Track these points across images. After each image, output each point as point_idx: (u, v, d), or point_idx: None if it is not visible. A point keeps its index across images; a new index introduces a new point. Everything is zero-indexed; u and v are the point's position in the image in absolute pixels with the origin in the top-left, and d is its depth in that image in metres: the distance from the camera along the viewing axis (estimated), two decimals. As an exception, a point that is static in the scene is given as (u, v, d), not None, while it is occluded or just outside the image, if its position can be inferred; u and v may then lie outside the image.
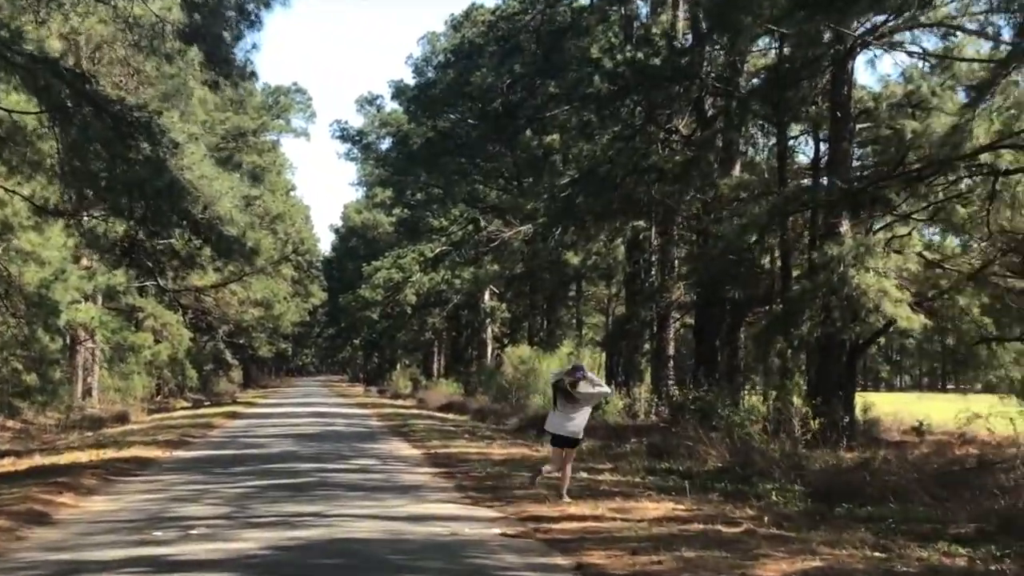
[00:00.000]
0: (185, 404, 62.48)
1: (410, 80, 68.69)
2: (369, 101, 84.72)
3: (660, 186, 34.34)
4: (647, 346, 43.51)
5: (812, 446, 22.26)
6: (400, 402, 67.58)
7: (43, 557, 12.29)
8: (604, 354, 45.88)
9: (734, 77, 33.56)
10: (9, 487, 18.60)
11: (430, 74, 66.22)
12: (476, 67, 54.42)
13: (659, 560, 11.60)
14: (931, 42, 27.93)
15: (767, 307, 32.81)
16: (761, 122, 34.55)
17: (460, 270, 65.72)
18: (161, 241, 49.47)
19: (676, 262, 38.98)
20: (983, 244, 29.62)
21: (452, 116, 58.77)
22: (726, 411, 25.67)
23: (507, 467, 23.08)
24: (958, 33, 26.57)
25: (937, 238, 35.64)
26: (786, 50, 30.21)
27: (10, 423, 38.76)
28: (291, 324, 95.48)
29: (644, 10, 42.05)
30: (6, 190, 29.33)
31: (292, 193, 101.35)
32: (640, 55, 33.78)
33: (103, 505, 17.39)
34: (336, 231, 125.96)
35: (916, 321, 25.03)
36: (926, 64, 28.34)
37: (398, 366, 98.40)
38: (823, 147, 31.02)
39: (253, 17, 27.27)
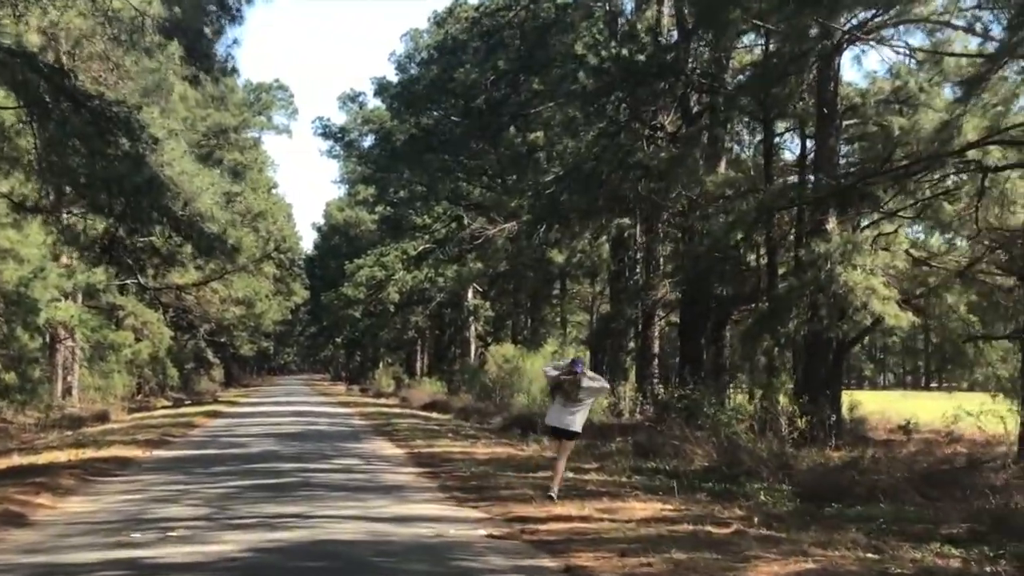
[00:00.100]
0: (166, 403, 62.09)
1: (393, 77, 68.42)
2: (351, 98, 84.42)
3: (645, 183, 34.11)
4: (632, 344, 43.34)
5: (799, 445, 22.10)
6: (383, 401, 67.35)
7: (18, 560, 12.00)
8: (589, 352, 45.65)
9: (719, 73, 33.40)
10: (-15, 487, 18.31)
11: (413, 71, 65.90)
12: (459, 64, 54.14)
13: (649, 562, 11.37)
14: (918, 38, 27.75)
15: (753, 305, 32.66)
16: (747, 119, 34.40)
17: (443, 268, 65.52)
18: (141, 239, 49.13)
19: (661, 260, 38.81)
20: (969, 242, 29.49)
21: (435, 113, 58.49)
22: (712, 410, 25.49)
23: (492, 467, 22.84)
24: (945, 29, 26.38)
25: (922, 236, 35.52)
26: (772, 46, 30.05)
27: (-11, 422, 38.39)
28: (273, 322, 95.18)
29: (629, 6, 41.85)
30: (-16, 186, 29.03)
31: (274, 191, 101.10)
32: (625, 51, 33.59)
33: (81, 506, 17.11)
34: (318, 229, 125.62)
35: (904, 319, 24.88)
36: (912, 61, 28.17)
37: (381, 365, 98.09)
38: (809, 144, 30.88)
39: (234, 12, 26.98)
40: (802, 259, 25.81)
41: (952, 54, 25.47)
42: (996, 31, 22.03)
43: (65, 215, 37.06)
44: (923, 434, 27.71)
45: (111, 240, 51.06)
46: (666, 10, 37.30)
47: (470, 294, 68.55)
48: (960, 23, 25.09)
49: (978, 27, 24.50)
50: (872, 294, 23.84)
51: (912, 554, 11.99)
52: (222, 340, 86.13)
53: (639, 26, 37.47)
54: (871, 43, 27.29)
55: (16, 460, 24.70)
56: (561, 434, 17.85)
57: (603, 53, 34.83)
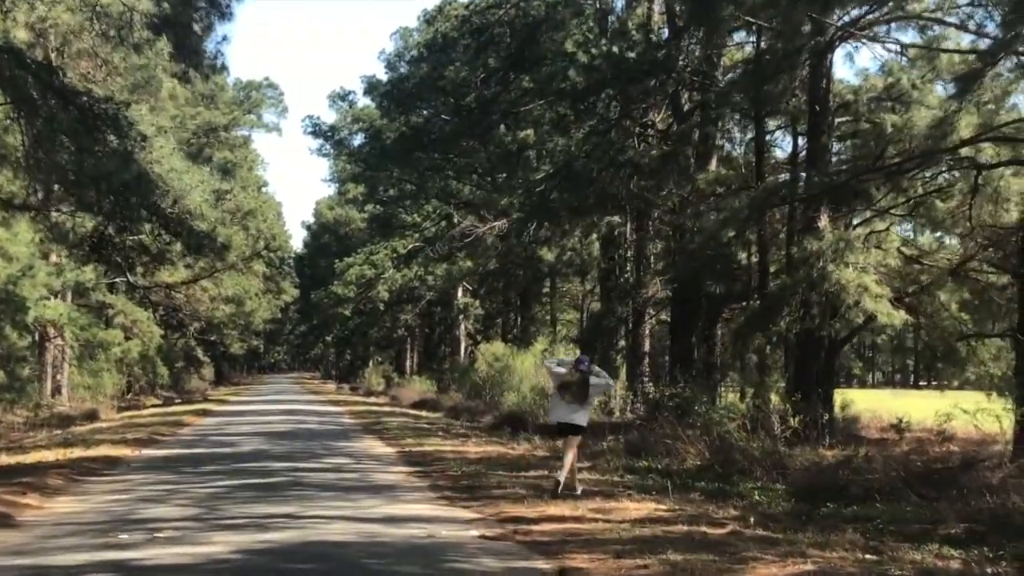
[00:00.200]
0: (156, 402, 61.86)
1: (383, 76, 68.27)
2: (341, 96, 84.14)
3: (636, 181, 33.98)
4: (622, 343, 43.22)
5: (792, 444, 21.94)
6: (373, 399, 67.22)
7: (3, 562, 11.82)
8: (579, 351, 45.52)
9: (711, 71, 33.30)
10: (-28, 488, 18.12)
11: (403, 69, 65.76)
12: (449, 61, 54.05)
13: (645, 564, 11.22)
14: (910, 36, 27.66)
15: (744, 303, 32.55)
16: (738, 116, 34.28)
17: (433, 266, 65.35)
18: (131, 237, 48.94)
19: (652, 258, 38.70)
20: (962, 239, 29.41)
21: (425, 111, 58.36)
22: (704, 408, 25.36)
23: (483, 466, 22.70)
24: (936, 27, 26.28)
25: (912, 234, 35.45)
26: (764, 43, 29.95)
27: (-23, 421, 38.18)
28: (263, 321, 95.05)
29: (619, 3, 41.77)
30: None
31: (264, 189, 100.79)
32: (616, 49, 33.47)
33: (68, 506, 16.93)
34: (308, 227, 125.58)
35: (897, 317, 24.74)
36: (903, 58, 28.06)
37: (370, 363, 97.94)
38: (801, 141, 30.78)
39: (224, 8, 26.81)
40: (794, 257, 25.69)
41: (946, 50, 25.34)
42: (991, 28, 21.94)
43: (54, 213, 36.82)
44: (915, 433, 27.60)
45: (100, 238, 50.88)
46: (656, 7, 37.14)
47: (460, 292, 68.42)
48: (953, 20, 24.99)
49: (971, 24, 24.43)
50: (864, 292, 23.71)
51: (912, 555, 11.86)
52: (212, 338, 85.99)
53: (630, 23, 37.36)
54: (863, 40, 27.18)
55: (3, 460, 24.50)
56: (567, 429, 17.97)
57: (593, 51, 34.71)
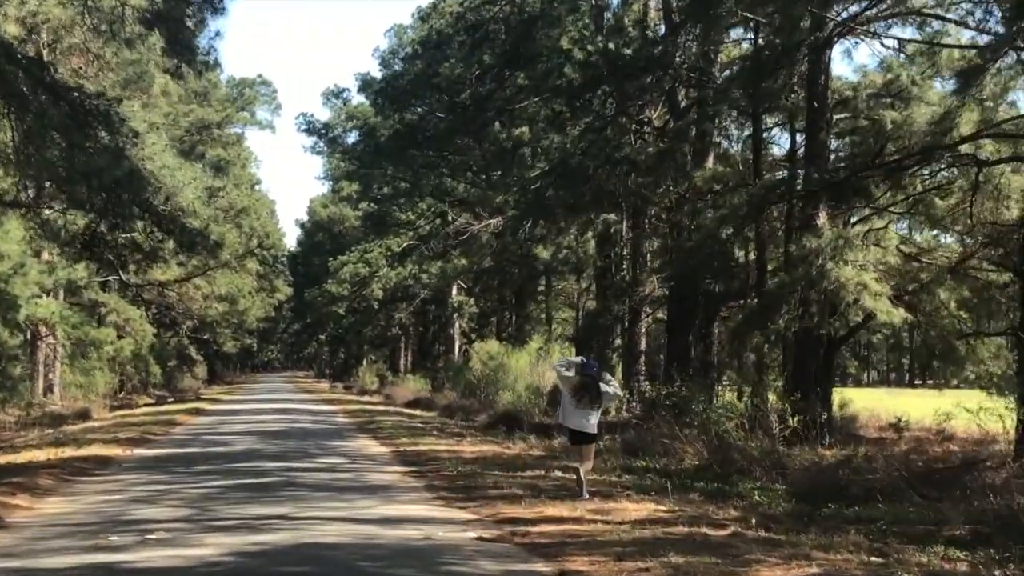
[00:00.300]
0: (149, 400, 61.66)
1: (377, 73, 68.07)
2: (335, 94, 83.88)
3: (633, 178, 33.76)
4: (618, 341, 43.01)
5: (791, 443, 21.74)
6: (367, 398, 67.08)
7: (-9, 564, 11.60)
8: (574, 349, 45.35)
9: (707, 67, 33.05)
10: (-39, 488, 17.87)
11: (397, 67, 65.55)
12: (444, 58, 53.83)
13: (647, 567, 10.99)
14: (909, 33, 27.47)
15: (742, 301, 32.35)
16: (735, 113, 34.07)
17: (427, 264, 65.17)
18: (123, 235, 48.65)
19: (648, 256, 38.49)
20: (961, 237, 29.23)
21: (419, 109, 58.14)
22: (701, 407, 25.16)
23: (479, 465, 22.49)
24: (934, 23, 26.08)
25: (909, 231, 35.25)
26: (761, 40, 29.74)
27: (-32, 420, 37.93)
28: (256, 319, 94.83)
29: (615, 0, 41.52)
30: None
31: (257, 187, 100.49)
32: (612, 45, 33.25)
33: (59, 507, 16.71)
34: (302, 226, 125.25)
35: (897, 315, 24.52)
36: (902, 55, 27.88)
37: (364, 362, 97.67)
38: (799, 138, 30.59)
39: (216, 3, 26.57)
40: (792, 255, 25.48)
41: (947, 45, 25.15)
42: (992, 24, 21.71)
43: (46, 210, 36.56)
44: (913, 432, 27.48)
45: (92, 236, 50.50)
46: (653, 3, 36.96)
47: (454, 291, 68.24)
48: (953, 16, 24.77)
49: (971, 21, 24.22)
50: (864, 290, 23.50)
51: (918, 557, 11.65)
52: (205, 337, 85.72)
53: (626, 19, 37.16)
54: (862, 37, 26.97)
55: (-6, 459, 24.29)
56: (581, 438, 17.88)
57: (589, 47, 34.50)
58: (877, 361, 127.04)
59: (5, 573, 11.14)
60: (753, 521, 14.27)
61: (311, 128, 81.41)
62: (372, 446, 29.04)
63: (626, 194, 34.91)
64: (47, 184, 27.71)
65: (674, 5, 33.43)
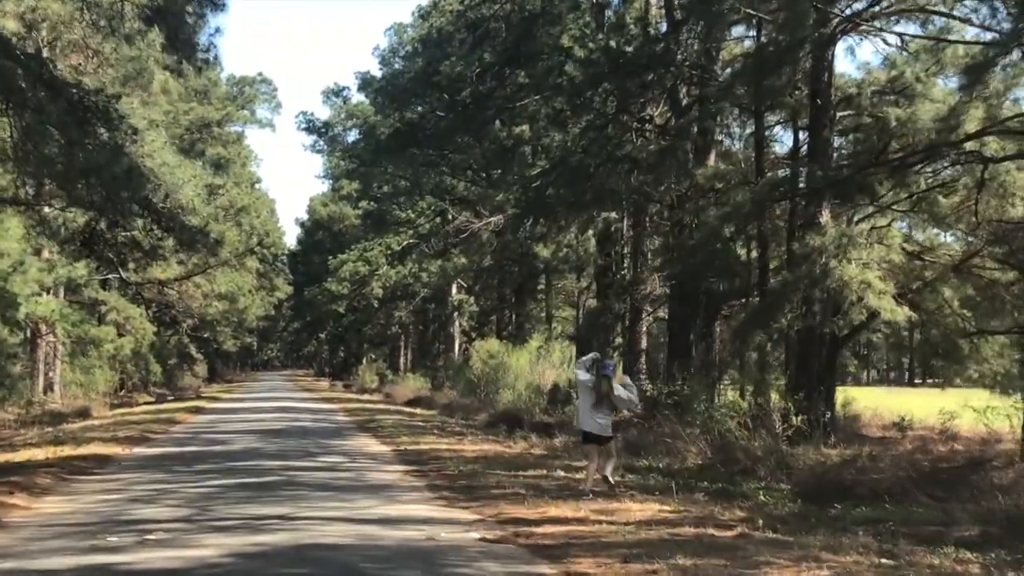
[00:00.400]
0: (149, 399, 61.50)
1: (377, 72, 68.03)
2: (335, 93, 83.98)
3: (635, 176, 33.59)
4: (619, 340, 42.85)
5: (794, 443, 21.59)
6: (367, 397, 67.01)
7: (-13, 565, 11.44)
8: (575, 348, 45.23)
9: (709, 65, 32.87)
10: (-41, 488, 17.71)
11: (397, 65, 65.51)
12: (444, 57, 53.72)
13: (654, 570, 10.83)
14: (913, 29, 27.27)
15: (744, 300, 32.18)
16: (737, 111, 33.91)
17: (427, 263, 65.12)
18: (123, 232, 48.58)
19: (649, 254, 38.32)
20: (966, 235, 29.08)
21: (420, 107, 58.03)
22: (703, 407, 25.04)
23: (480, 465, 22.34)
24: (936, 20, 25.92)
25: (909, 229, 35.07)
26: (764, 37, 29.58)
27: (-33, 419, 37.80)
28: (256, 318, 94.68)
29: (616, -3, 41.36)
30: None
31: (257, 186, 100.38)
32: (613, 43, 33.10)
33: (57, 507, 16.54)
34: (302, 224, 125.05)
35: (900, 313, 24.35)
36: (905, 53, 27.71)
37: (364, 360, 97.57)
38: (802, 136, 30.42)
39: (217, -1, 26.38)
40: (795, 253, 25.33)
41: (953, 41, 24.97)
42: (999, 19, 21.52)
43: (45, 208, 36.46)
44: (917, 431, 27.32)
45: (92, 233, 50.55)
46: (654, 0, 36.78)
47: (454, 289, 68.14)
48: (959, 13, 24.60)
49: (975, 18, 24.04)
50: (867, 288, 23.34)
51: (928, 559, 11.48)
52: (205, 335, 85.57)
53: (627, 17, 36.99)
54: (866, 33, 26.81)
55: (-7, 458, 24.16)
56: (595, 439, 17.90)
57: (590, 45, 34.33)
58: (877, 360, 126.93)
59: (1, 574, 10.98)
60: (760, 522, 14.12)
61: (311, 127, 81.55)
62: (372, 445, 28.91)
63: (627, 192, 34.75)
64: (46, 181, 27.60)
65: (676, 2, 33.24)
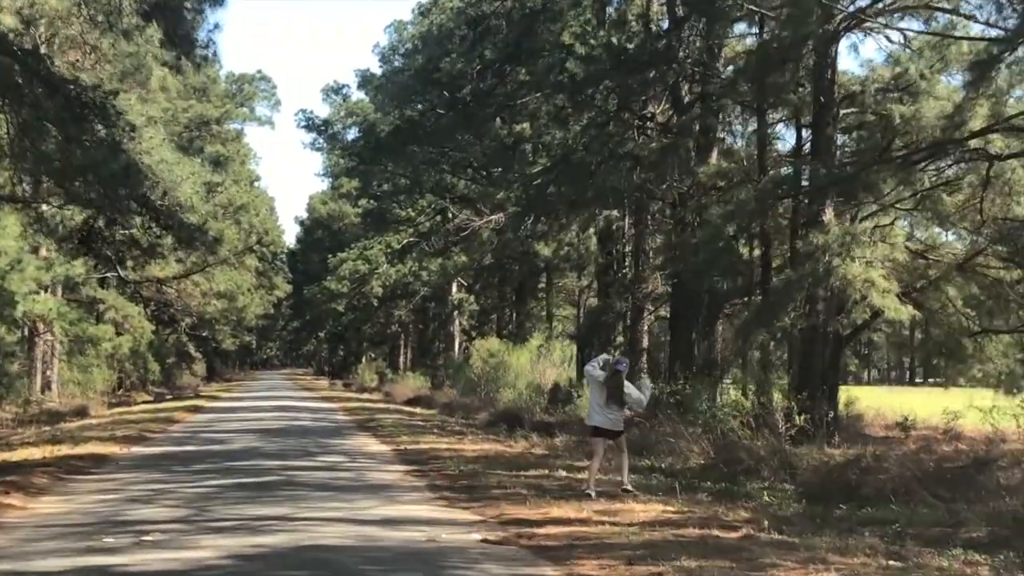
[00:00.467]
0: (147, 398, 61.38)
1: (377, 70, 67.88)
2: (335, 90, 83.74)
3: (638, 173, 33.43)
4: (620, 339, 42.69)
5: (797, 442, 21.42)
6: (366, 396, 66.89)
7: (-19, 566, 11.25)
8: (576, 347, 45.08)
9: (712, 62, 32.70)
10: (-46, 487, 17.53)
11: (397, 63, 65.34)
12: (445, 54, 53.55)
13: (659, 572, 10.66)
14: (916, 25, 27.11)
15: (746, 299, 32.02)
16: (740, 108, 33.74)
17: (427, 261, 64.95)
18: (121, 231, 48.46)
19: (650, 252, 38.15)
20: (970, 233, 28.93)
21: (420, 105, 57.87)
22: (705, 406, 24.89)
23: (481, 464, 22.18)
24: (940, 16, 25.75)
25: (910, 228, 34.92)
26: (767, 34, 29.42)
27: (-36, 418, 37.64)
28: (255, 317, 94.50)
29: (618, -7, 41.16)
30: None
31: (256, 184, 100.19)
32: (614, 39, 32.94)
33: (53, 507, 16.36)
34: (301, 223, 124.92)
35: (904, 312, 24.19)
36: (908, 50, 27.55)
37: (364, 359, 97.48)
38: (805, 133, 30.26)
39: (216, -6, 26.15)
40: (798, 251, 25.18)
41: (959, 37, 24.80)
42: (1007, 15, 21.34)
43: (43, 206, 36.29)
44: (920, 431, 27.18)
45: (90, 231, 50.40)
46: (656, -3, 36.62)
47: (455, 288, 67.98)
48: (964, 10, 24.43)
49: (979, 15, 23.87)
50: (871, 287, 23.18)
51: (937, 561, 11.30)
52: (204, 334, 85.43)
53: (629, 14, 36.82)
54: (870, 30, 26.65)
55: (-11, 457, 23.98)
56: (605, 434, 17.92)
57: (592, 42, 34.17)
58: (878, 359, 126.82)
59: (-5, 576, 10.83)
60: (765, 523, 13.92)
61: (311, 124, 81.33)
62: (372, 444, 28.76)
63: (629, 190, 34.59)
64: (44, 178, 27.44)
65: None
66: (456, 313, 69.14)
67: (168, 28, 24.43)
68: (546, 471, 20.91)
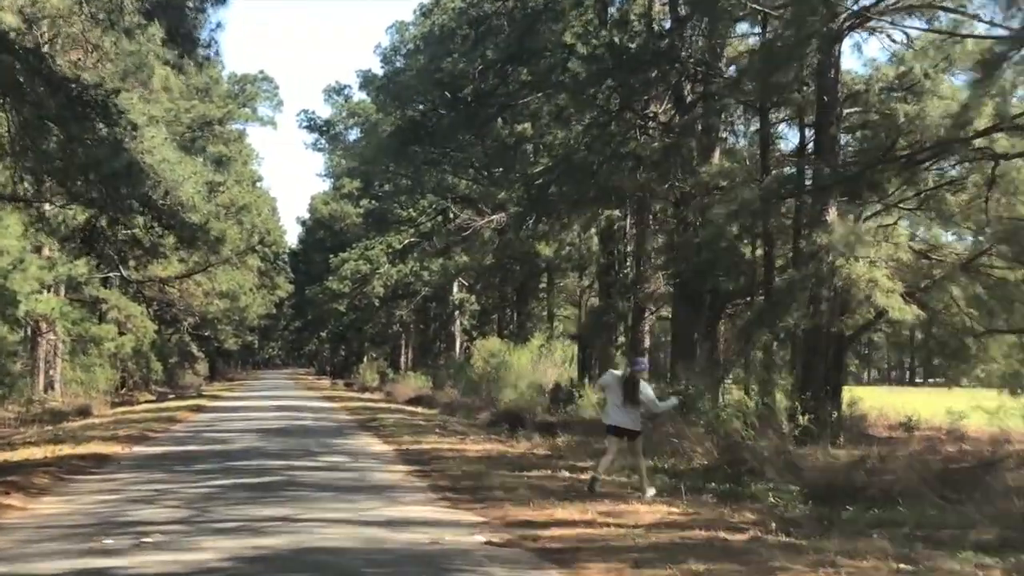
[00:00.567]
0: (150, 397, 61.35)
1: (378, 70, 67.86)
2: (337, 91, 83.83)
3: (640, 173, 33.33)
4: (621, 339, 42.61)
5: (801, 443, 21.30)
6: (368, 395, 66.82)
7: (-20, 568, 11.15)
8: (577, 347, 45.02)
9: (714, 62, 32.61)
10: (-46, 488, 17.44)
11: (399, 63, 65.33)
12: (446, 54, 53.54)
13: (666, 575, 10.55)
14: (921, 24, 27.00)
15: (749, 299, 31.92)
16: (742, 108, 33.63)
17: (429, 261, 64.97)
18: (124, 230, 48.40)
19: (652, 252, 38.06)
20: (974, 233, 28.83)
21: (421, 105, 57.84)
22: (708, 406, 24.81)
23: (484, 465, 22.06)
24: (942, 16, 25.64)
25: (911, 228, 34.81)
26: (769, 33, 29.32)
27: (-33, 417, 37.60)
28: (257, 316, 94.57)
29: (620, -7, 41.10)
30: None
31: (258, 184, 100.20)
32: (616, 39, 32.86)
33: (53, 507, 16.26)
34: (303, 223, 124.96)
35: (908, 312, 24.08)
36: (911, 48, 27.45)
37: (365, 359, 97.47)
38: (808, 133, 30.14)
39: (218, -8, 26.09)
40: (802, 251, 25.08)
41: (964, 35, 24.68)
42: (1013, 14, 21.24)
43: (46, 206, 36.24)
44: (924, 431, 27.09)
45: (92, 231, 50.38)
46: (658, -4, 36.54)
47: (456, 288, 67.98)
48: (970, 9, 24.33)
49: (983, 14, 23.78)
50: (875, 287, 23.08)
51: (948, 564, 11.17)
52: (206, 334, 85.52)
53: (631, 13, 36.74)
54: (874, 29, 26.55)
55: (-9, 457, 23.89)
56: (624, 433, 18.00)
57: (594, 41, 34.09)
58: (878, 359, 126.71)
59: (-6, 577, 10.74)
60: (772, 525, 13.81)
61: (312, 125, 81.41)
62: (374, 444, 28.66)
63: (631, 190, 34.49)
64: (46, 178, 27.38)
65: (681, -1, 33.04)
66: (457, 313, 69.16)
67: (170, 27, 24.40)
68: (549, 471, 20.80)
